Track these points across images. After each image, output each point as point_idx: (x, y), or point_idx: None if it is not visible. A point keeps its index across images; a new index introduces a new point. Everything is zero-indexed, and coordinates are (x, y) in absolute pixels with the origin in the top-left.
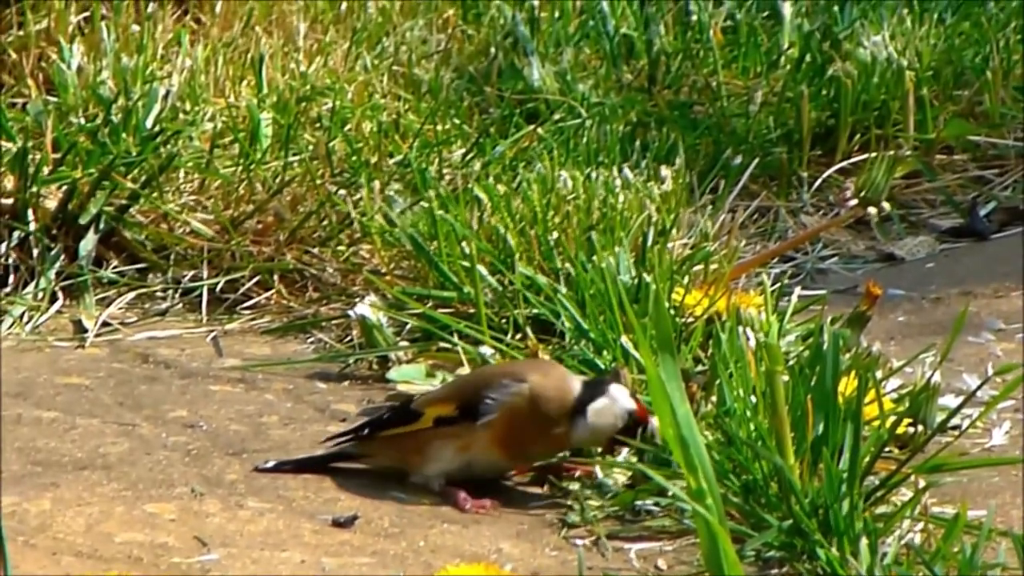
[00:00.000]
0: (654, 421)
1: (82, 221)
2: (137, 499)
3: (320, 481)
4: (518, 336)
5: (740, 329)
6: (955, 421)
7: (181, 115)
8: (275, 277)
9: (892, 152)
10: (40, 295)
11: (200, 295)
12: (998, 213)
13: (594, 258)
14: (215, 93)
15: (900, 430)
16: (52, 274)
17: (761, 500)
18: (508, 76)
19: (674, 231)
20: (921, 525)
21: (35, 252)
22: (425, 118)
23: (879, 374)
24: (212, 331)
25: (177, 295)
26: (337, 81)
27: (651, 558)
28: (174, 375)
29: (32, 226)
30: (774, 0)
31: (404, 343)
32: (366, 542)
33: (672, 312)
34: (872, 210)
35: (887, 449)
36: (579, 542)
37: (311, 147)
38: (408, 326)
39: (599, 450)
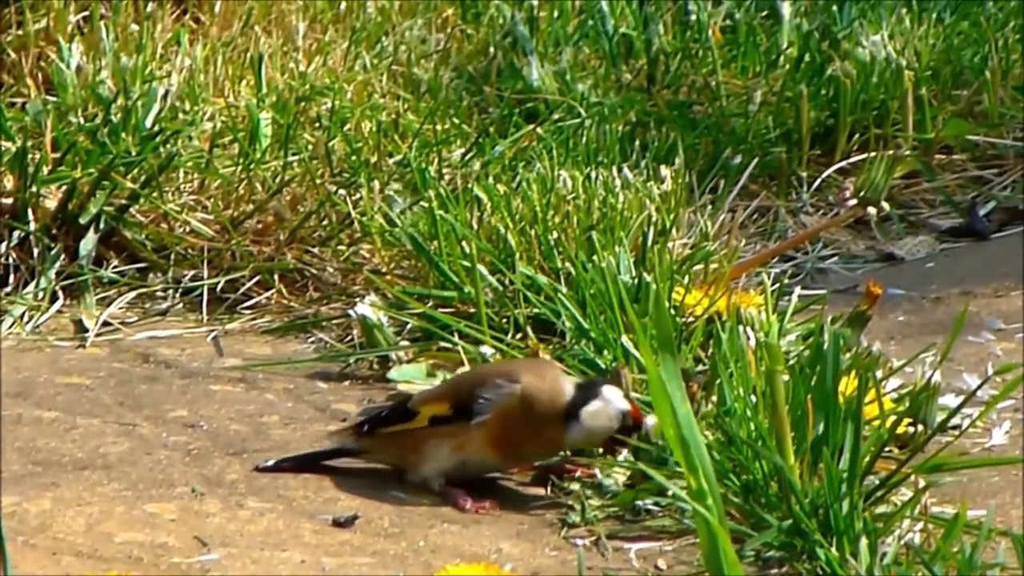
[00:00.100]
0: (649, 421)
1: (82, 221)
2: (137, 499)
3: (320, 481)
4: (519, 336)
5: (740, 329)
6: (955, 421)
7: (180, 115)
8: (275, 277)
9: (891, 152)
10: (40, 295)
11: (200, 295)
12: (997, 213)
13: (594, 258)
14: (214, 93)
15: (900, 430)
16: (52, 274)
17: (761, 500)
18: (507, 76)
19: (674, 231)
20: (921, 525)
21: (35, 252)
22: (424, 118)
23: (879, 374)
24: (212, 331)
25: (177, 295)
26: (336, 81)
27: (651, 558)
28: (174, 375)
29: (32, 226)
30: (773, 0)
31: (405, 343)
32: (366, 542)
33: (672, 312)
34: (872, 210)
35: (887, 449)
36: (579, 542)
37: (310, 147)
38: (409, 326)
39: (600, 451)
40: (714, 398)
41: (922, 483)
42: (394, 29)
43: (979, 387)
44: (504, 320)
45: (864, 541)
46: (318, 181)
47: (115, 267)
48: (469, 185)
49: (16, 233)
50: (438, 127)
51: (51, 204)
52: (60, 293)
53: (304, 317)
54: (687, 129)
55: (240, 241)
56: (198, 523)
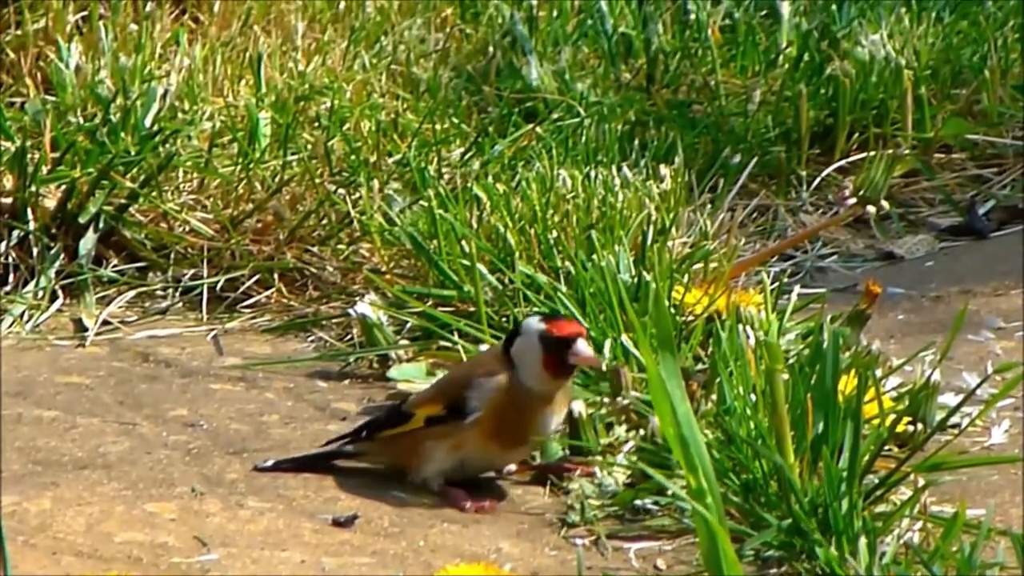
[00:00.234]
0: (581, 340)
1: (81, 220)
2: (137, 499)
3: (320, 481)
4: None
5: (740, 327)
6: (954, 419)
7: (180, 114)
8: (275, 276)
9: (891, 151)
10: (40, 294)
11: (200, 294)
12: (997, 211)
13: (594, 257)
14: (213, 92)
15: (900, 428)
16: (52, 273)
17: (761, 499)
18: (506, 75)
19: (673, 230)
20: (920, 524)
21: (35, 251)
22: (424, 117)
23: (879, 372)
24: (212, 330)
25: (177, 294)
26: (335, 80)
27: (651, 557)
28: (174, 374)
29: (31, 225)
30: None
31: (404, 342)
32: (366, 542)
33: (672, 310)
34: (871, 208)
35: (887, 448)
36: (579, 542)
37: (310, 146)
38: (408, 324)
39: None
40: (714, 397)
41: (921, 482)
42: (393, 29)
43: (978, 386)
44: (504, 319)
45: (863, 540)
46: (317, 180)
47: (115, 266)
48: (468, 184)
49: (16, 232)
50: (437, 126)
51: (50, 203)
52: (60, 292)
53: (304, 316)
54: (686, 128)
55: (240, 240)
56: (198, 523)
